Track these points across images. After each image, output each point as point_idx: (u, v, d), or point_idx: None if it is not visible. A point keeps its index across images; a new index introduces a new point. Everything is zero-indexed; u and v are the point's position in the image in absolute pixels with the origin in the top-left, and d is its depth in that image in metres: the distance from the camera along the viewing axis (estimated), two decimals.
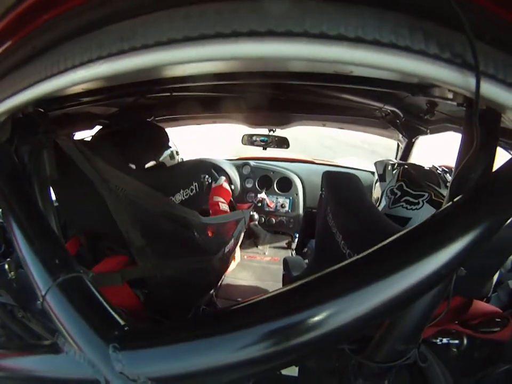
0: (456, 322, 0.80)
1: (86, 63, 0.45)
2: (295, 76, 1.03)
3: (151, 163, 1.19)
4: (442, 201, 0.91)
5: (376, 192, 1.17)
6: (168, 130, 1.38)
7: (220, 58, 0.40)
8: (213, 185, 1.96)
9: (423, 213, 0.93)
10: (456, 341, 0.81)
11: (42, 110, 0.92)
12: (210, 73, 0.89)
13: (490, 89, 0.39)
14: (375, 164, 1.24)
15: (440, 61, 0.37)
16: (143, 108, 1.51)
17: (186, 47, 0.39)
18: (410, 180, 1.01)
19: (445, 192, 0.92)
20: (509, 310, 0.84)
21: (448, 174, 1.03)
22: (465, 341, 0.80)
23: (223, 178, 2.15)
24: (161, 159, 1.25)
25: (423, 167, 1.09)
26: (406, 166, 1.09)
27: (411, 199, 0.96)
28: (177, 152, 1.36)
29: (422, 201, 0.94)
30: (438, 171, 1.05)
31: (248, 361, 0.44)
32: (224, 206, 1.90)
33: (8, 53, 0.52)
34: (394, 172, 1.10)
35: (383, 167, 1.18)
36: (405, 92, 1.02)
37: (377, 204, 1.12)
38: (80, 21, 0.45)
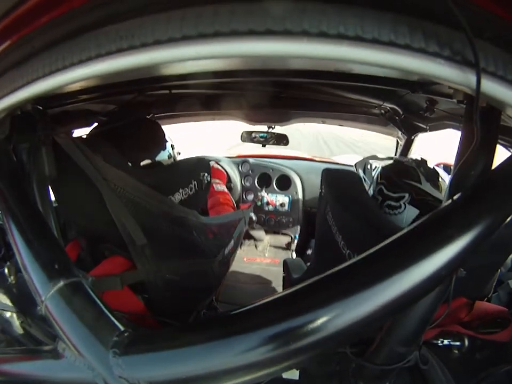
0: (458, 323, 0.80)
1: (85, 61, 0.45)
2: (295, 73, 1.03)
3: (147, 161, 1.18)
4: (425, 198, 0.90)
5: None
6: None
7: (219, 57, 0.40)
8: None
9: (407, 215, 0.90)
10: (458, 342, 0.81)
11: (40, 108, 0.91)
12: (210, 71, 0.89)
13: (490, 86, 0.39)
14: (355, 165, 1.21)
15: (440, 58, 0.37)
16: (142, 105, 1.50)
17: (185, 46, 0.39)
18: (389, 181, 0.97)
19: (427, 187, 0.91)
20: (510, 310, 0.84)
21: (428, 165, 1.00)
22: (466, 342, 0.80)
23: (212, 161, 2.08)
24: (157, 157, 1.24)
25: (402, 163, 1.05)
26: (384, 166, 1.06)
27: (392, 203, 0.93)
28: (172, 146, 1.35)
29: (404, 203, 0.90)
30: (417, 163, 1.00)
31: (249, 366, 0.44)
32: (220, 187, 1.85)
33: (7, 52, 0.52)
34: (373, 173, 1.07)
35: (363, 167, 1.14)
36: (405, 89, 1.02)
37: None
38: (79, 21, 0.45)
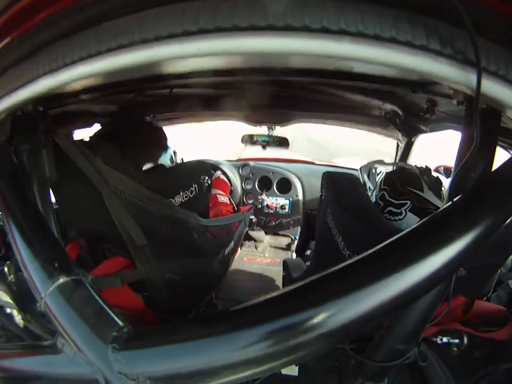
0: (457, 321, 0.80)
1: (86, 59, 0.44)
2: (295, 72, 1.03)
3: (149, 165, 1.18)
4: (426, 207, 0.90)
5: None
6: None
7: (220, 53, 0.40)
8: None
9: (407, 223, 0.91)
10: (457, 340, 0.81)
11: (41, 108, 0.91)
12: (211, 69, 0.89)
13: (491, 86, 0.38)
14: (360, 169, 1.23)
15: (441, 56, 0.37)
16: (142, 106, 1.51)
17: (186, 42, 0.39)
18: (391, 187, 0.98)
19: (429, 196, 0.92)
20: (509, 309, 0.84)
21: (433, 173, 1.01)
22: (465, 340, 0.80)
23: (219, 172, 2.14)
24: (159, 161, 1.24)
25: (406, 170, 1.06)
26: (387, 172, 1.07)
27: (394, 210, 0.94)
28: (175, 153, 1.36)
29: (405, 210, 0.92)
30: (421, 171, 1.02)
31: (248, 361, 0.44)
32: (223, 198, 1.89)
33: (6, 50, 0.52)
34: (377, 179, 1.08)
35: (367, 172, 1.17)
36: (405, 88, 1.02)
37: None
38: (79, 17, 0.45)
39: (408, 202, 0.92)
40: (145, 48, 0.41)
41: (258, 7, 0.37)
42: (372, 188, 1.09)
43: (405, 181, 0.97)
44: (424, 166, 1.04)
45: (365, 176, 1.19)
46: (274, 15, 0.36)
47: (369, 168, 1.18)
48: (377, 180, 1.08)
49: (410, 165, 1.09)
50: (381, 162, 1.27)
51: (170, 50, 0.40)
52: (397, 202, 0.94)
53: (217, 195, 1.86)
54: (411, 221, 0.90)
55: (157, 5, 0.40)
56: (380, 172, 1.12)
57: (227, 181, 2.13)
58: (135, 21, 0.41)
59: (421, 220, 0.87)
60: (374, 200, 1.04)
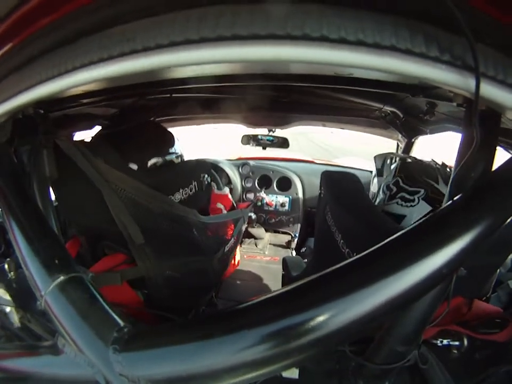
0: (457, 323, 0.80)
1: (87, 65, 0.44)
2: (296, 77, 1.03)
3: (153, 160, 1.18)
4: (439, 198, 0.90)
5: (373, 187, 1.17)
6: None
7: (221, 61, 0.40)
8: (217, 191, 1.98)
9: (418, 210, 0.91)
10: (457, 342, 0.81)
11: (42, 111, 0.91)
12: (211, 75, 0.89)
13: (490, 90, 0.39)
14: (375, 157, 1.24)
15: (441, 63, 0.37)
16: (143, 109, 1.50)
17: (187, 50, 0.39)
18: (407, 175, 0.99)
19: (443, 188, 0.92)
20: (509, 310, 0.84)
21: (448, 169, 1.01)
22: (465, 342, 0.80)
23: (228, 189, 2.18)
24: (167, 156, 1.24)
25: (423, 162, 1.07)
26: (404, 161, 1.08)
27: (406, 196, 0.95)
28: (181, 156, 1.36)
29: (418, 198, 0.92)
30: (438, 166, 1.03)
31: (249, 363, 0.43)
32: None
33: (9, 54, 0.52)
34: (392, 167, 1.09)
35: (382, 161, 1.17)
36: (405, 92, 1.02)
37: (374, 199, 1.11)
38: (81, 23, 0.45)
39: (422, 190, 0.93)
40: (146, 56, 0.41)
41: (259, 15, 0.37)
42: (385, 176, 1.09)
43: (421, 170, 0.99)
44: (441, 162, 1.06)
45: (379, 164, 1.20)
46: (274, 23, 0.36)
47: (384, 158, 1.19)
48: (392, 168, 1.09)
49: (428, 159, 1.10)
50: (396, 154, 1.28)
51: (172, 59, 0.40)
52: (410, 189, 0.95)
53: (222, 210, 1.90)
54: (423, 209, 0.91)
55: (159, 13, 0.40)
56: (396, 160, 1.13)
57: (232, 200, 2.17)
58: (136, 28, 0.41)
59: (433, 209, 0.87)
60: (385, 184, 1.04)
